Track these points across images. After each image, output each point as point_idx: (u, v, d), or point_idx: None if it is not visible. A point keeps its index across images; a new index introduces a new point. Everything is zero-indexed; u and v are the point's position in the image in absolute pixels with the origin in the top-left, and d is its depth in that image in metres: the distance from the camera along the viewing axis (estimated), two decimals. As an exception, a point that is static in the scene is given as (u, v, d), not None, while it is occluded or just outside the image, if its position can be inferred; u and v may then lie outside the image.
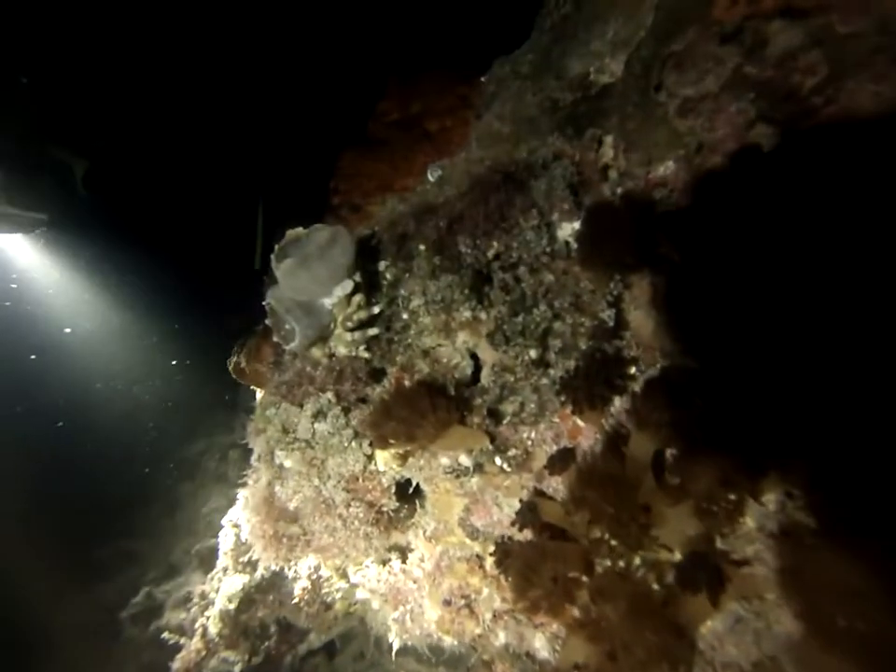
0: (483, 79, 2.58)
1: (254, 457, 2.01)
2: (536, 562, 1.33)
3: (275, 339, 1.97)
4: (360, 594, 2.20)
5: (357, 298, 1.86)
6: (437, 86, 2.87)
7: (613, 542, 1.35)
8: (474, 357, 1.89)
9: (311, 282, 1.75)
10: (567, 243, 1.69)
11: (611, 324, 1.68)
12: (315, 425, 1.83)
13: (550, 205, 1.64)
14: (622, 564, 1.42)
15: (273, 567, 2.02)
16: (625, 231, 1.47)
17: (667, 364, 1.55)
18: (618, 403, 1.65)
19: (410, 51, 3.30)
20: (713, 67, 1.57)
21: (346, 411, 1.87)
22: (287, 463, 1.86)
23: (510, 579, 1.39)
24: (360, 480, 1.82)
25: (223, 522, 2.89)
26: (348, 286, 1.81)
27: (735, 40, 1.54)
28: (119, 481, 5.71)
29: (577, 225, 1.62)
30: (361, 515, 1.79)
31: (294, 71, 4.29)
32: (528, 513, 1.56)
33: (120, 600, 4.60)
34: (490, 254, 1.62)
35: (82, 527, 5.50)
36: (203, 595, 2.88)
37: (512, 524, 1.62)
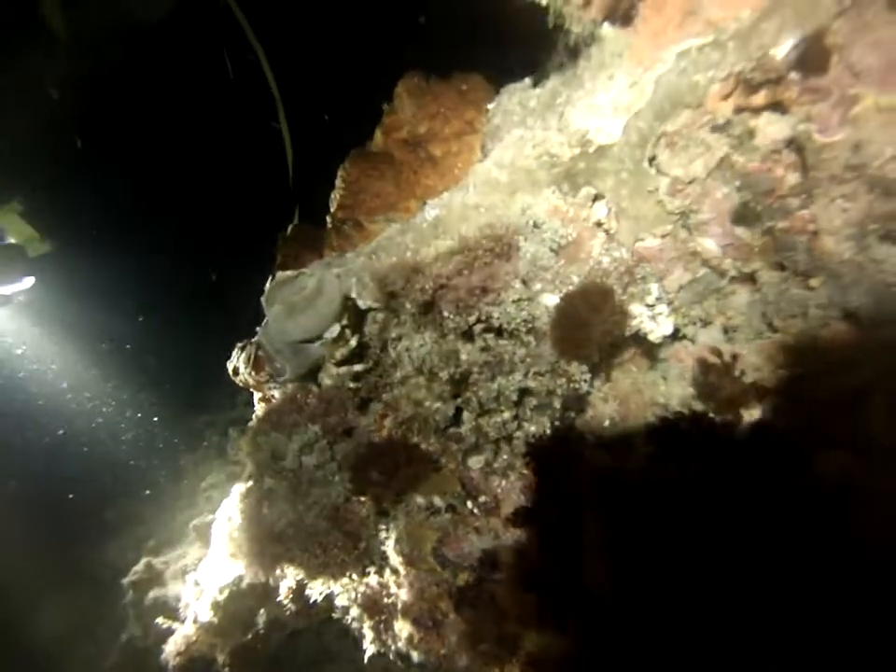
0: (489, 107, 2.57)
1: (244, 475, 2.15)
2: (483, 621, 1.46)
3: (268, 369, 2.07)
4: (340, 601, 2.37)
5: (345, 343, 1.95)
6: (445, 106, 2.85)
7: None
8: (457, 395, 1.98)
9: (298, 330, 1.84)
10: (547, 308, 1.75)
11: (584, 390, 1.76)
12: (303, 457, 1.94)
13: (534, 274, 1.69)
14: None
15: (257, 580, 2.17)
16: (597, 325, 1.53)
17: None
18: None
19: (420, 54, 3.25)
20: (703, 153, 1.59)
21: (332, 444, 1.98)
22: (275, 488, 1.99)
23: (462, 631, 1.51)
24: (340, 510, 1.95)
25: (217, 514, 3.08)
26: (335, 330, 1.90)
27: (724, 130, 1.55)
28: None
29: (558, 299, 1.67)
30: (340, 544, 1.92)
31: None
32: (487, 566, 1.68)
33: (125, 559, 4.92)
34: (472, 319, 1.69)
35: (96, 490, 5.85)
36: (196, 583, 3.10)
37: (472, 570, 1.75)
